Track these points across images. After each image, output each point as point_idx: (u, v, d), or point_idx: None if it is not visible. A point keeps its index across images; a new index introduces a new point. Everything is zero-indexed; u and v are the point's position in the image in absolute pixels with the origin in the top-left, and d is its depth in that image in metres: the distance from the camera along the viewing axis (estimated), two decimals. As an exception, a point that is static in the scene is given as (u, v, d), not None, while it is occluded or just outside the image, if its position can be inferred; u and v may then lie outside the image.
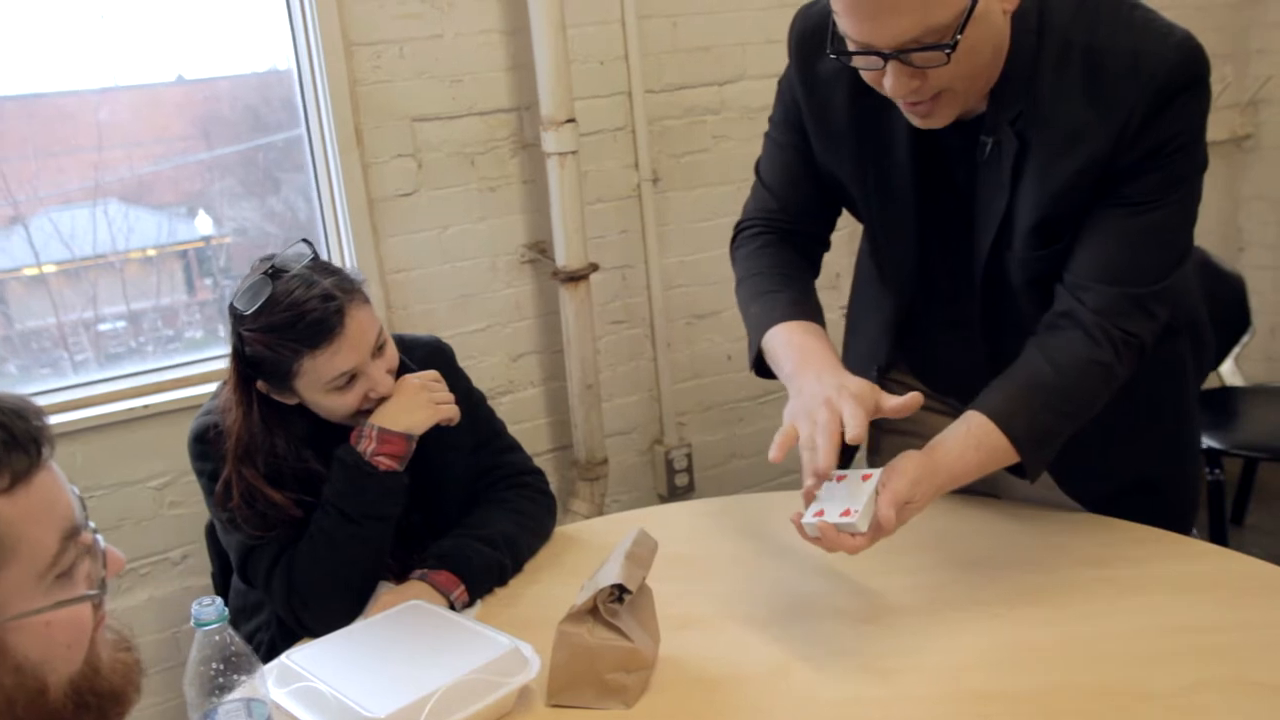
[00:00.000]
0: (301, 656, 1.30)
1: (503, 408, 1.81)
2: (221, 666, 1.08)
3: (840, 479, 1.29)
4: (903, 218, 1.46)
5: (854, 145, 1.45)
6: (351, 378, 1.49)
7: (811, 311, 1.49)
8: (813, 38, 1.41)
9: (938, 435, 1.32)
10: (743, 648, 1.33)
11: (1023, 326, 1.38)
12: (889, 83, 1.22)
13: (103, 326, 2.42)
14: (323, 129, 2.43)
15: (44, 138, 2.33)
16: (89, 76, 2.29)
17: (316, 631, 1.44)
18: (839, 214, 1.61)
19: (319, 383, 1.48)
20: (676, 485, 2.99)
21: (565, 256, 2.59)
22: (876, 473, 1.27)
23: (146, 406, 2.31)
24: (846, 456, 1.72)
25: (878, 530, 1.22)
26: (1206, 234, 3.34)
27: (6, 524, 0.73)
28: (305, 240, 1.52)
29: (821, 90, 1.45)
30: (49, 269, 2.35)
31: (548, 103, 2.49)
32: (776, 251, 1.57)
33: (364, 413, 1.53)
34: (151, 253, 2.48)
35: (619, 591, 1.23)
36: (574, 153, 2.52)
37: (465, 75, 2.52)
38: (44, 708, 0.76)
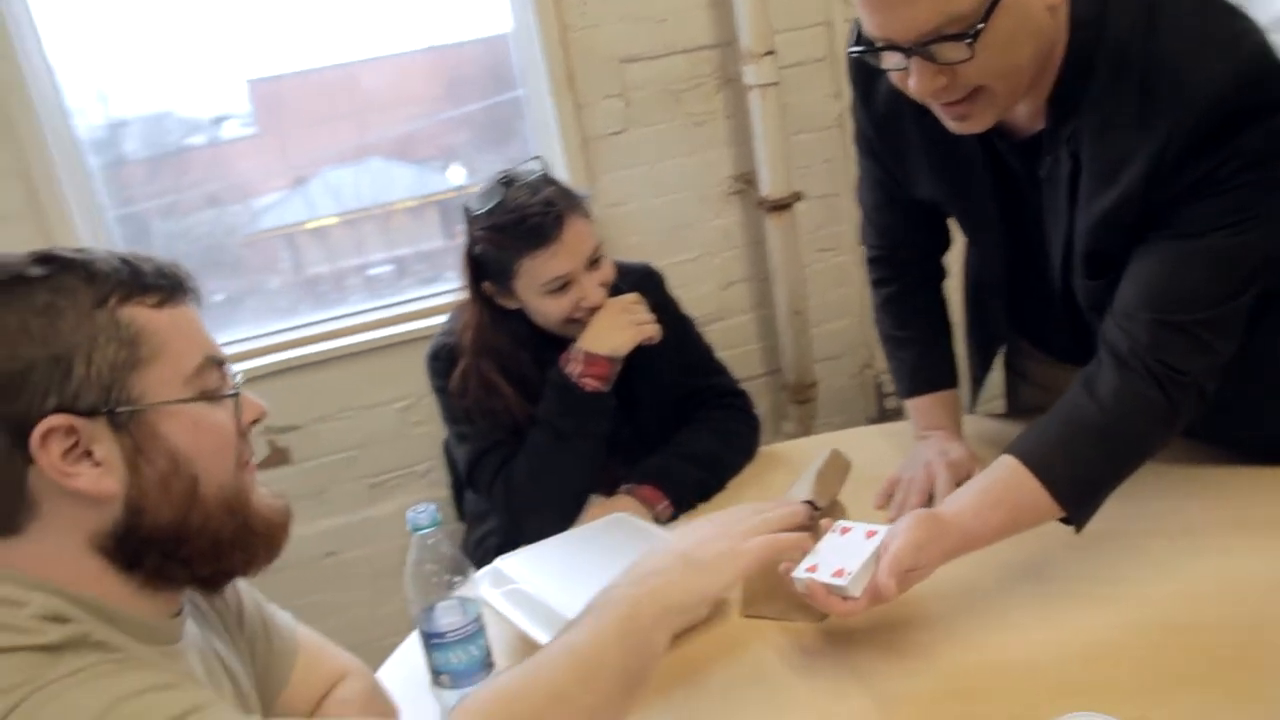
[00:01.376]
0: (514, 561, 1.40)
1: (714, 334, 1.89)
2: (437, 567, 1.17)
3: (845, 531, 1.21)
4: (989, 234, 1.40)
5: (932, 160, 1.36)
6: (565, 284, 1.61)
7: (931, 377, 1.62)
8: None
9: (954, 491, 1.22)
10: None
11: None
12: (914, 82, 1.10)
13: (372, 271, 2.72)
14: (538, 75, 2.56)
15: (316, 106, 2.64)
16: (349, 50, 2.55)
17: (534, 538, 1.54)
18: (944, 220, 1.56)
19: (535, 284, 1.61)
20: (886, 409, 3.02)
21: (769, 186, 2.65)
22: (882, 530, 1.18)
23: (389, 337, 2.54)
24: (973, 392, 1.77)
25: (875, 596, 1.11)
26: None
27: (155, 328, 0.82)
28: (537, 157, 1.66)
29: (886, 111, 1.37)
30: (329, 221, 2.67)
31: (747, 36, 2.53)
32: (898, 309, 1.65)
33: (574, 321, 1.64)
34: (411, 203, 2.74)
35: (811, 507, 1.29)
36: (775, 84, 2.56)
37: (668, 15, 2.59)
38: (194, 497, 0.83)
